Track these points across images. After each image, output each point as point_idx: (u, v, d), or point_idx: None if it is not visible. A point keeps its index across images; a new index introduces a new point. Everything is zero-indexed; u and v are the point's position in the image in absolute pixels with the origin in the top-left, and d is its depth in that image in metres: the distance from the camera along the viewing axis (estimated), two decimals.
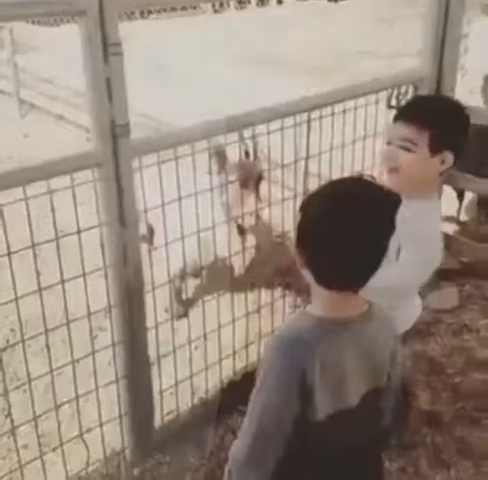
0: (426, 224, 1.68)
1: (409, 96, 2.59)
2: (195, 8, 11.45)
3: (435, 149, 1.65)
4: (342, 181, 1.27)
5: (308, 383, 1.18)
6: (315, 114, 2.22)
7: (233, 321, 2.25)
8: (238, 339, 2.30)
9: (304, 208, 1.23)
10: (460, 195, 3.62)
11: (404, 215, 1.59)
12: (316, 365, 1.18)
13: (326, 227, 1.18)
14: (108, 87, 1.61)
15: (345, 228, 1.16)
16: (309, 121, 2.22)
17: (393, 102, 2.53)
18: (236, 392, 2.28)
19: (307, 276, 1.24)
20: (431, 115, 1.68)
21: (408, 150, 1.66)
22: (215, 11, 11.99)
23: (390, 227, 1.18)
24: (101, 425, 1.95)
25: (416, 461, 2.12)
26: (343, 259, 1.18)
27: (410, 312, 1.88)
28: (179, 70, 6.84)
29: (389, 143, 1.71)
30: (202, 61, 7.21)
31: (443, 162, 1.67)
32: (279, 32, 8.87)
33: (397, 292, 1.68)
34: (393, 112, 1.82)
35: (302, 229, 1.22)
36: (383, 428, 1.40)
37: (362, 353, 1.25)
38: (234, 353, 2.30)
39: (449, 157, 1.67)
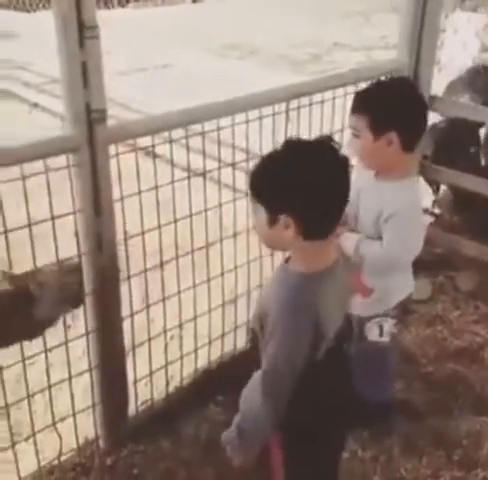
0: (403, 203, 1.81)
1: None
2: None
3: (376, 132, 1.77)
4: (297, 143, 1.34)
5: (319, 328, 1.33)
6: (293, 104, 2.22)
7: (209, 310, 2.25)
8: (214, 328, 2.30)
9: (273, 178, 1.30)
10: (435, 188, 3.66)
11: (384, 198, 1.75)
12: (321, 311, 1.32)
13: (307, 180, 1.26)
14: (84, 71, 1.58)
15: (322, 174, 1.28)
16: (288, 111, 2.22)
17: None
18: (212, 381, 2.29)
19: (287, 240, 1.31)
20: (367, 101, 1.82)
21: (357, 137, 1.81)
22: (194, 1, 11.88)
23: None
24: (74, 414, 1.93)
25: (389, 449, 2.14)
26: (329, 205, 1.31)
27: (404, 282, 2.01)
28: (154, 59, 6.77)
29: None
30: (181, 50, 7.16)
31: (390, 143, 1.78)
32: (255, 23, 8.83)
33: (387, 266, 1.88)
34: None
35: (285, 194, 1.28)
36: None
37: (339, 295, 1.41)
38: (210, 342, 2.29)
39: (394, 137, 1.77)
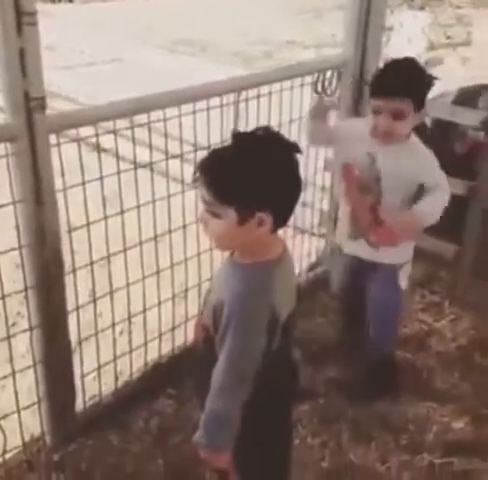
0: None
1: (334, 83, 2.64)
2: None
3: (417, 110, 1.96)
4: (249, 137, 1.32)
5: (274, 317, 1.35)
6: (241, 96, 2.22)
7: (159, 304, 2.23)
8: (164, 322, 2.29)
9: (244, 178, 1.26)
10: None
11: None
12: (276, 300, 1.34)
13: (277, 173, 1.27)
14: (22, 58, 1.54)
15: (287, 165, 1.29)
16: (236, 103, 2.22)
17: (319, 88, 2.57)
18: (162, 375, 2.27)
19: (258, 236, 1.31)
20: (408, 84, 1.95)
21: (400, 119, 1.95)
22: None
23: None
24: (19, 411, 1.88)
25: (337, 435, 2.17)
26: (297, 195, 1.34)
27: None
28: (102, 54, 6.66)
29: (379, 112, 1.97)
30: (130, 45, 7.07)
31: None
32: (207, 20, 8.81)
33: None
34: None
35: (260, 192, 1.27)
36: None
37: (289, 282, 1.45)
38: (160, 336, 2.28)
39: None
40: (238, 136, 1.33)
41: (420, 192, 2.03)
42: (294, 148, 1.32)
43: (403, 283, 2.22)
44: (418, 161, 2.03)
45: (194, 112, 2.08)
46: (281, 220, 1.34)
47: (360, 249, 2.19)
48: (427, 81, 1.99)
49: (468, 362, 2.55)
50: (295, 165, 1.31)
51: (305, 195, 2.91)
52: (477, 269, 2.87)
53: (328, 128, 2.23)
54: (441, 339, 2.67)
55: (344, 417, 2.25)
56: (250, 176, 1.26)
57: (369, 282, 2.25)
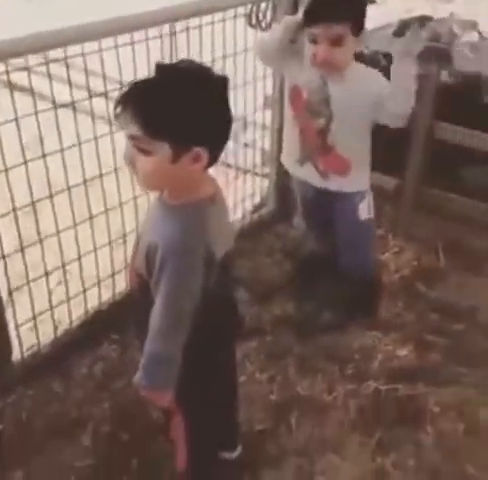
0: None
1: (269, 15, 2.56)
2: None
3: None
4: (179, 69, 1.26)
5: (210, 255, 1.32)
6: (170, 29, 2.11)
7: (95, 250, 2.17)
8: (103, 268, 2.23)
9: (180, 110, 1.19)
10: None
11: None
12: (211, 239, 1.32)
13: (212, 106, 1.23)
14: None
15: (220, 98, 1.24)
16: (163, 36, 2.12)
17: (253, 20, 2.49)
18: (105, 321, 2.24)
19: (192, 173, 1.27)
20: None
21: (339, 45, 1.89)
22: None
23: None
24: None
25: (285, 370, 2.19)
26: (230, 129, 1.28)
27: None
28: None
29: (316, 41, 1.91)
30: None
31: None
32: None
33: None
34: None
35: (197, 125, 1.21)
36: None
37: (225, 221, 1.43)
38: (99, 283, 2.23)
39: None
40: (162, 67, 1.25)
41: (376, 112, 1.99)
42: (222, 80, 1.25)
43: (366, 213, 2.20)
44: (366, 82, 1.99)
45: (116, 46, 1.97)
46: (214, 156, 1.28)
47: (309, 175, 2.17)
48: (363, 2, 1.93)
49: (411, 292, 2.59)
50: (225, 98, 1.26)
51: (246, 134, 2.89)
52: (419, 201, 2.89)
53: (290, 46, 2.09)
54: (385, 271, 2.70)
55: (291, 352, 2.27)
56: (184, 107, 1.19)
57: (330, 211, 2.24)
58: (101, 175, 2.11)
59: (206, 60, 2.21)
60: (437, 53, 2.64)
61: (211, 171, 1.36)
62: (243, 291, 1.63)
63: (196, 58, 2.13)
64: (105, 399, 1.99)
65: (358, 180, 2.17)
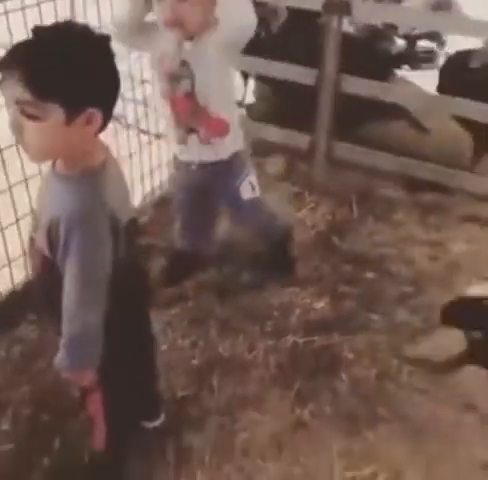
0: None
1: None
2: None
3: None
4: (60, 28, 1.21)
5: (116, 224, 1.31)
6: None
7: (1, 229, 2.11)
8: (12, 249, 2.18)
9: (72, 69, 1.15)
10: (245, 79, 3.65)
11: None
12: (113, 205, 1.30)
13: (103, 65, 1.21)
14: None
15: (109, 58, 1.22)
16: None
17: None
18: (20, 302, 2.20)
19: (85, 137, 1.24)
20: None
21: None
22: None
23: None
24: None
25: (206, 334, 2.23)
26: (119, 90, 1.26)
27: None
28: None
29: None
30: None
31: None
32: None
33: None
34: None
35: (90, 84, 1.18)
36: None
37: (121, 188, 1.40)
38: (9, 263, 2.18)
39: None
40: (41, 29, 1.20)
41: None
42: (105, 38, 1.22)
43: (249, 193, 2.17)
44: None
45: (6, 12, 1.88)
46: (106, 118, 1.25)
47: (193, 152, 2.10)
48: None
49: (327, 246, 2.67)
50: (111, 56, 1.23)
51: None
52: (331, 156, 2.94)
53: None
54: (302, 227, 2.76)
55: (212, 315, 2.30)
56: (71, 65, 1.15)
57: (214, 200, 2.24)
58: (0, 150, 2.04)
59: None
60: (338, 4, 2.64)
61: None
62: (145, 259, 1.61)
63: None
64: (24, 382, 1.97)
65: (235, 139, 2.11)
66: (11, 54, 1.16)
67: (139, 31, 1.92)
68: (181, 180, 2.29)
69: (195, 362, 2.12)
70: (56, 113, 1.17)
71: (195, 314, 2.31)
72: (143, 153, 2.76)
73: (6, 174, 2.07)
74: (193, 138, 2.06)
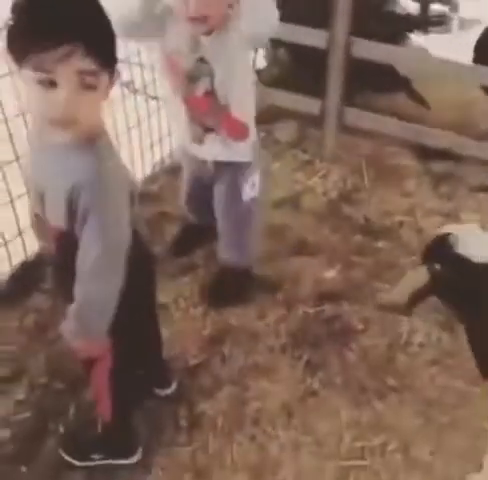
0: None
1: None
2: None
3: None
4: None
5: (133, 189, 1.34)
6: None
7: (11, 201, 2.11)
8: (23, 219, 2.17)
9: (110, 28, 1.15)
10: None
11: None
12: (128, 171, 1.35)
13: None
14: None
15: None
16: None
17: None
18: (31, 273, 2.21)
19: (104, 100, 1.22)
20: None
21: None
22: None
23: None
24: None
25: None
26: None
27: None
28: None
29: None
30: None
31: None
32: None
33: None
34: None
35: (114, 43, 1.18)
36: None
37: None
38: (21, 234, 2.18)
39: None
40: None
41: None
42: None
43: (250, 192, 2.08)
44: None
45: None
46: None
47: (209, 151, 2.00)
48: None
49: (338, 214, 2.65)
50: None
51: None
52: (342, 123, 2.89)
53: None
54: (313, 195, 2.74)
55: None
56: (107, 24, 1.14)
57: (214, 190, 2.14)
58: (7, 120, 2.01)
59: None
60: None
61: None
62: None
63: None
64: (39, 351, 1.99)
65: (253, 142, 2.02)
66: (71, 26, 1.09)
67: (148, 23, 1.79)
68: (189, 167, 2.22)
69: (206, 332, 2.14)
70: (104, 79, 1.17)
71: (206, 282, 2.31)
72: (152, 120, 2.73)
73: (13, 145, 2.05)
74: (211, 137, 1.96)
